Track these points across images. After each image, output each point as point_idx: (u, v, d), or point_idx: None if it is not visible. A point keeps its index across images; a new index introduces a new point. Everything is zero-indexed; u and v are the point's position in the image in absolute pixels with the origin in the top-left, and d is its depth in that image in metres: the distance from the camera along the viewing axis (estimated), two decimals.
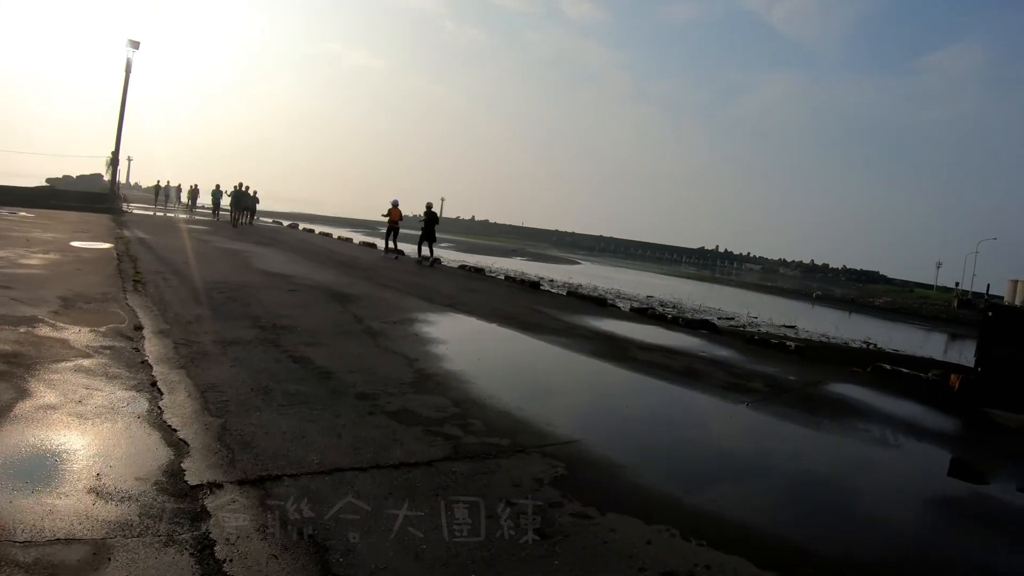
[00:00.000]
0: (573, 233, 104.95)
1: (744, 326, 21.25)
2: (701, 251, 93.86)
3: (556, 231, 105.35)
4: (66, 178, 67.04)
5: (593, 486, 4.73)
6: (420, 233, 23.52)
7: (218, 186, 36.60)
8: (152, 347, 7.28)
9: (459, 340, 9.94)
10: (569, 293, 19.23)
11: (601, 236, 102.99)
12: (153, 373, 6.31)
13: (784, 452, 6.52)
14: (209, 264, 15.00)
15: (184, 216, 38.03)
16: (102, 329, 7.84)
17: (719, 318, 21.79)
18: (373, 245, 29.87)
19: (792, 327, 23.24)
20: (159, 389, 5.86)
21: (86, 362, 6.41)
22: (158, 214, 38.76)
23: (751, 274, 75.72)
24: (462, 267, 24.31)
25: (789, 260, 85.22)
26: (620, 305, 18.75)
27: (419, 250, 23.94)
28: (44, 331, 7.33)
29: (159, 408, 5.36)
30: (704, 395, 8.25)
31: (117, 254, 14.77)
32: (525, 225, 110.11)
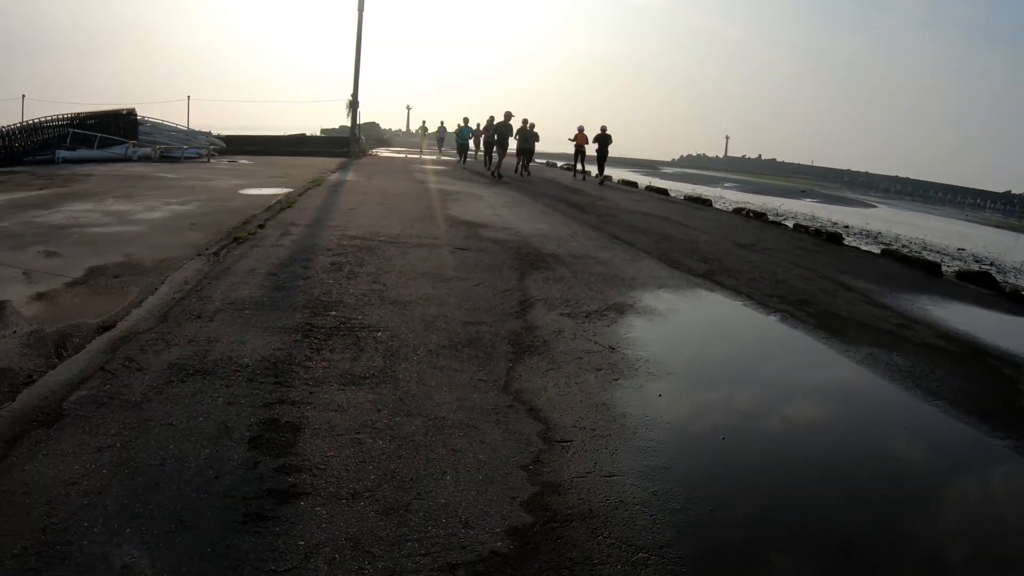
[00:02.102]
0: (867, 173, 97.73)
1: None
2: (1007, 196, 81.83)
3: (848, 171, 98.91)
4: (342, 128, 71.00)
5: None
6: (596, 154, 25.94)
7: (465, 120, 30.03)
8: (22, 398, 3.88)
9: (695, 365, 5.28)
10: (884, 252, 13.05)
11: (897, 177, 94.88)
12: None
13: None
14: (382, 211, 11.72)
15: (434, 157, 36.13)
16: (50, 330, 5.05)
17: None
18: (635, 184, 25.84)
19: None
20: None
21: None
22: (419, 156, 37.45)
23: None
24: (738, 211, 18.87)
25: None
26: (949, 268, 12.45)
27: (599, 170, 26.44)
28: None
29: None
30: None
31: (277, 202, 12.07)
32: (815, 164, 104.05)
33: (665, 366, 4.84)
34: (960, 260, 19.90)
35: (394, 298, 5.93)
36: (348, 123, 35.60)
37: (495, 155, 24.66)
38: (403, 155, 38.16)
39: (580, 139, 26.28)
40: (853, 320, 6.91)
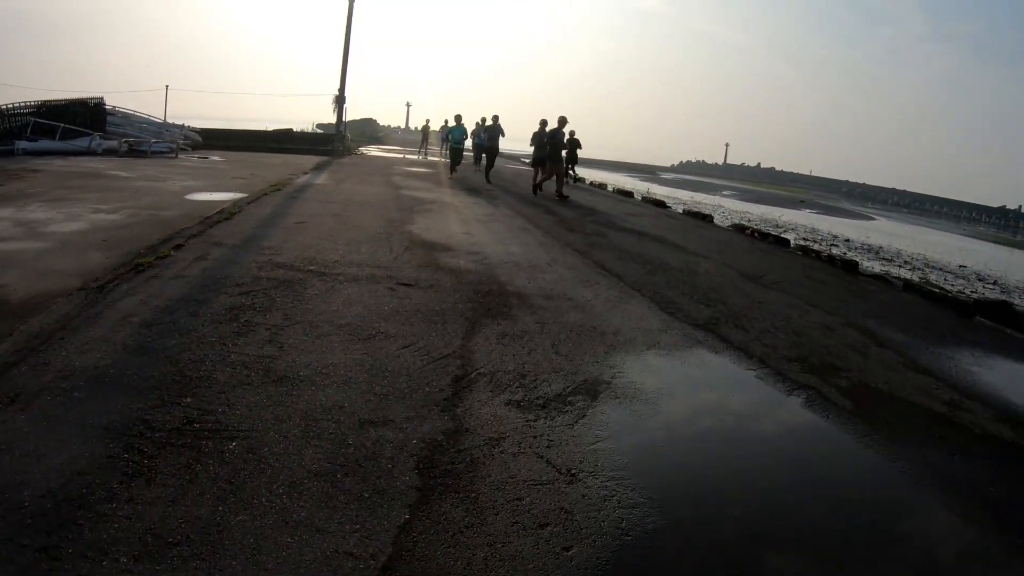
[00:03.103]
0: (864, 184, 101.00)
1: None
2: (1002, 210, 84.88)
3: (846, 181, 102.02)
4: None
5: None
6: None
7: (458, 118, 24.45)
8: None
9: (689, 502, 3.48)
10: (907, 286, 11.27)
11: (894, 189, 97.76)
12: None
13: None
14: (333, 226, 10.15)
15: (432, 159, 34.51)
16: None
17: None
18: (630, 194, 24.45)
19: None
20: None
21: None
22: (419, 156, 35.82)
23: None
24: (740, 228, 16.99)
25: None
26: (955, 288, 10.99)
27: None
28: None
29: None
30: None
31: (218, 211, 10.55)
32: (813, 174, 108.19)
33: (645, 511, 3.24)
34: (963, 278, 19.68)
35: (284, 371, 4.37)
36: (342, 119, 34.17)
37: (540, 171, 19.73)
38: (393, 155, 36.53)
39: None
40: (895, 398, 5.37)
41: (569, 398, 4.50)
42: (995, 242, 47.92)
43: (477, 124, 26.57)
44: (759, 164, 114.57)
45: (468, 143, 26.55)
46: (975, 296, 12.89)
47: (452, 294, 6.77)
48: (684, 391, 5.05)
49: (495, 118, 22.59)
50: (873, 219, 51.29)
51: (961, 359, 6.94)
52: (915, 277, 15.87)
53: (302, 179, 17.07)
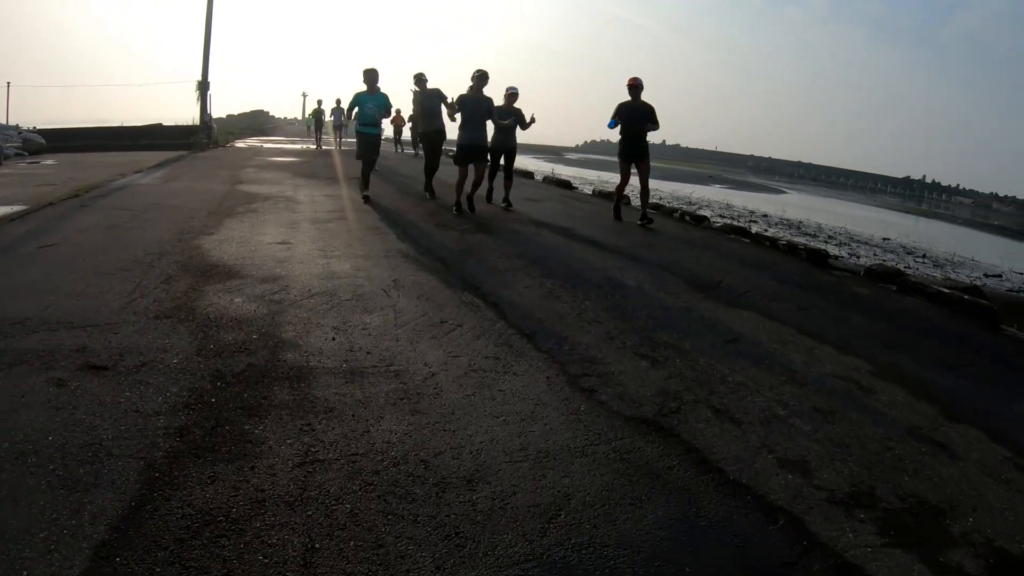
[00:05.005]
0: (771, 158, 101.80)
1: None
2: (906, 181, 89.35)
3: (752, 156, 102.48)
4: (229, 117, 67.96)
5: None
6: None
7: (371, 77, 10.74)
8: None
9: None
10: (900, 286, 7.69)
11: (800, 162, 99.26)
12: None
13: None
14: (94, 246, 6.48)
15: (312, 148, 30.01)
16: None
17: (985, 275, 16.65)
18: (531, 175, 20.66)
19: None
20: None
21: None
22: (287, 147, 31.22)
23: (962, 208, 71.01)
24: (665, 211, 14.18)
25: (1002, 195, 78.60)
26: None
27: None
28: None
29: None
30: None
31: None
32: (719, 149, 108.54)
33: None
34: (892, 251, 18.95)
35: None
36: (236, 112, 29.97)
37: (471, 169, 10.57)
38: (272, 145, 31.76)
39: (398, 120, 25.68)
40: None
41: None
42: (905, 212, 49.00)
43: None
44: (664, 141, 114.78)
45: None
46: (947, 286, 10.40)
47: (166, 386, 3.29)
48: None
49: (419, 79, 11.90)
50: (784, 192, 50.90)
51: None
52: (850, 255, 14.37)
53: (124, 180, 13.13)
